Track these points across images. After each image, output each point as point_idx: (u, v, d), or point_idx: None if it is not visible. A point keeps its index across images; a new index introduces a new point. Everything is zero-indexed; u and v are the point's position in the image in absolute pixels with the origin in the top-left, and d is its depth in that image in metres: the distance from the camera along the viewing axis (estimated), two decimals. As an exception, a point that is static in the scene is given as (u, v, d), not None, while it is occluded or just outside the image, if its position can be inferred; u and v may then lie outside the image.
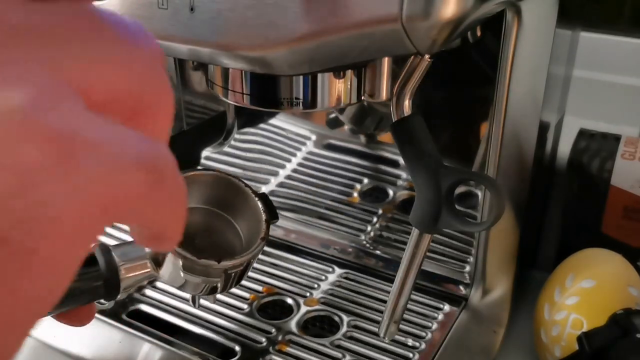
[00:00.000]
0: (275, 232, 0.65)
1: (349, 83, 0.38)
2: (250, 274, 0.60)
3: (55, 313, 0.36)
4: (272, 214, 0.44)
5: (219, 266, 0.40)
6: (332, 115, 0.58)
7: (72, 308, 0.37)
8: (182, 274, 0.40)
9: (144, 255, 0.41)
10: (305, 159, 0.62)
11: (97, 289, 0.39)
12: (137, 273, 0.41)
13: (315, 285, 0.59)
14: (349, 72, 0.38)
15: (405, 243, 0.42)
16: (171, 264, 0.41)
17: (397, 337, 0.52)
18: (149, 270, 0.41)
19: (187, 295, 0.57)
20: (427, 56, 0.38)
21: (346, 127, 0.58)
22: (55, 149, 0.17)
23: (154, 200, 0.20)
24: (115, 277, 0.39)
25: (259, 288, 0.59)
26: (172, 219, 0.21)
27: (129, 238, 0.60)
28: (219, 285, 0.42)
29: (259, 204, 0.44)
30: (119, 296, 0.40)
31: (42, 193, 0.16)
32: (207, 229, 0.44)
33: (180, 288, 0.43)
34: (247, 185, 0.44)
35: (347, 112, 0.54)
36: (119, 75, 0.19)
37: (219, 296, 0.57)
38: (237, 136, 0.62)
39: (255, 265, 0.62)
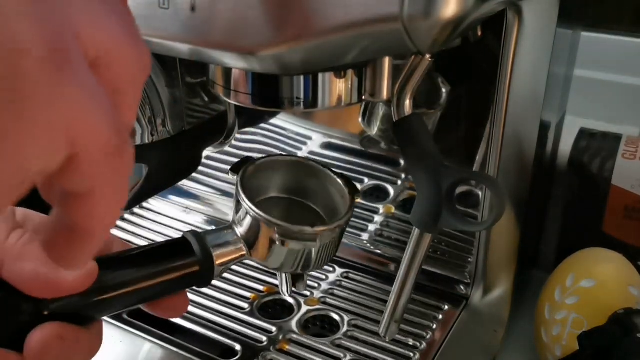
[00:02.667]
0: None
1: (350, 82, 0.38)
2: (250, 273, 0.60)
3: (150, 302, 0.36)
4: (354, 189, 0.44)
5: (313, 230, 0.40)
6: (365, 135, 0.58)
7: (165, 297, 0.37)
8: (276, 247, 0.40)
9: (236, 238, 0.41)
10: (305, 158, 0.62)
11: (192, 276, 0.38)
12: (230, 257, 0.40)
13: (316, 285, 0.59)
14: (350, 72, 0.38)
15: (406, 243, 0.42)
16: (266, 241, 0.41)
17: (398, 337, 0.52)
18: (243, 252, 0.41)
19: (189, 296, 0.57)
20: (428, 56, 0.38)
21: (382, 144, 0.58)
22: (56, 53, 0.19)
23: (109, 165, 0.22)
24: (210, 263, 0.38)
25: (260, 287, 0.59)
26: (114, 197, 0.23)
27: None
28: (313, 257, 0.42)
29: (339, 181, 0.44)
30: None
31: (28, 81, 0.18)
32: (287, 216, 0.43)
33: (274, 268, 0.43)
34: (323, 166, 0.45)
35: (375, 127, 0.54)
36: (109, 36, 0.22)
37: (220, 296, 0.57)
38: (237, 136, 0.62)
39: (256, 264, 0.62)
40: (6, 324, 0.30)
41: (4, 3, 0.19)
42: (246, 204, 0.41)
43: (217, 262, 0.39)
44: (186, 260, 0.37)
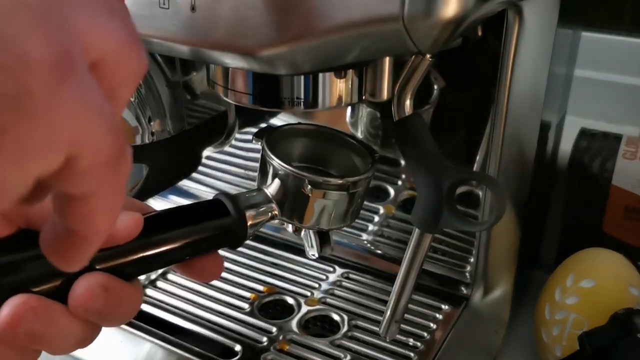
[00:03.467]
0: (276, 231, 0.65)
1: (350, 82, 0.38)
2: (250, 273, 0.60)
3: (182, 262, 0.36)
4: (371, 150, 0.46)
5: (344, 180, 0.42)
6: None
7: (198, 256, 0.37)
8: (308, 202, 0.42)
9: (266, 199, 0.42)
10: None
11: (224, 236, 0.39)
12: (262, 218, 0.41)
13: (316, 285, 0.59)
14: (350, 72, 0.38)
15: (406, 243, 0.42)
16: (297, 197, 0.42)
17: (398, 337, 0.52)
18: (275, 212, 0.42)
19: (190, 296, 0.57)
20: (428, 56, 0.38)
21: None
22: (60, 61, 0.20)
23: (107, 171, 0.23)
24: (244, 222, 0.39)
25: (260, 288, 0.59)
26: (111, 202, 0.24)
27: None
28: (343, 210, 0.44)
29: (357, 144, 0.46)
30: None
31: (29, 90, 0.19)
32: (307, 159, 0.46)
33: (307, 226, 0.44)
34: (340, 132, 0.47)
35: (360, 130, 0.54)
36: (112, 39, 0.23)
37: (220, 296, 0.57)
38: (238, 136, 0.62)
39: (256, 264, 0.62)
40: (53, 274, 0.30)
41: (11, 15, 0.19)
42: (275, 161, 0.42)
43: (250, 223, 0.40)
44: (221, 220, 0.38)
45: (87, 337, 0.31)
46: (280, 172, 0.42)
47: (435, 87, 0.50)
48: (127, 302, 0.32)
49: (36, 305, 0.29)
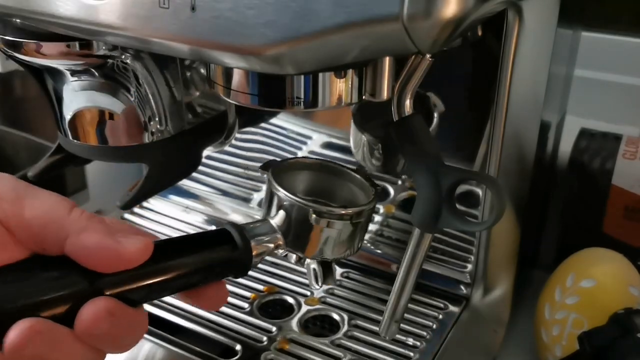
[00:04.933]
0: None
1: (350, 82, 0.38)
2: (251, 273, 0.60)
3: (190, 290, 0.37)
4: (373, 183, 0.48)
5: (347, 211, 0.44)
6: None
7: (204, 285, 0.38)
8: (313, 232, 0.43)
9: (272, 229, 0.44)
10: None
11: (230, 265, 0.40)
12: (267, 248, 0.43)
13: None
14: (350, 72, 0.38)
15: (406, 242, 0.42)
16: (302, 227, 0.43)
17: (398, 337, 0.52)
18: (280, 242, 0.44)
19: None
20: (428, 56, 0.38)
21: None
22: None
23: None
24: (249, 252, 0.40)
25: (260, 287, 0.59)
26: None
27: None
28: (347, 239, 0.45)
29: (359, 177, 0.48)
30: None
31: None
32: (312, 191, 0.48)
33: (312, 256, 0.45)
34: (341, 165, 0.49)
35: (366, 159, 0.54)
36: None
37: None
38: (238, 135, 0.62)
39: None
40: (61, 299, 0.31)
41: None
42: (281, 192, 0.44)
43: (255, 253, 0.41)
44: (227, 249, 0.39)
45: None
46: (285, 202, 0.44)
47: (435, 114, 0.50)
48: (132, 328, 0.33)
49: (42, 329, 0.29)
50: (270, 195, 0.45)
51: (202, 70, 0.47)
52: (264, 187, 0.47)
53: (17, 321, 0.29)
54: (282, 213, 0.44)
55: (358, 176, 0.48)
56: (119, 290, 0.33)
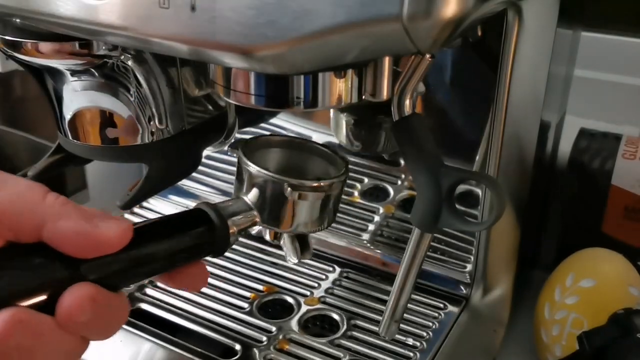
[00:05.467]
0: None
1: (350, 82, 0.38)
2: (250, 273, 0.60)
3: (169, 272, 0.37)
4: (343, 157, 0.48)
5: (320, 183, 0.44)
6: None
7: (181, 266, 0.38)
8: (287, 205, 0.44)
9: (247, 206, 0.44)
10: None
11: (208, 244, 0.39)
12: (244, 225, 0.43)
13: (316, 285, 0.59)
14: (350, 72, 0.38)
15: (406, 242, 0.42)
16: (277, 201, 0.44)
17: (398, 337, 0.52)
18: (256, 219, 0.44)
19: (189, 295, 0.57)
20: (428, 55, 0.38)
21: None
22: None
23: None
24: (226, 231, 0.40)
25: (260, 287, 0.59)
26: None
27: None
28: (320, 212, 0.45)
29: (329, 152, 0.49)
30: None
31: None
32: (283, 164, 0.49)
33: (287, 230, 0.46)
34: (310, 141, 0.49)
35: (357, 135, 0.54)
36: None
37: (220, 295, 0.57)
38: (238, 135, 0.62)
39: (256, 264, 0.62)
40: (42, 287, 0.30)
41: None
42: (254, 168, 0.44)
43: (232, 230, 0.41)
44: (205, 228, 0.39)
45: (76, 350, 0.31)
46: (258, 178, 0.44)
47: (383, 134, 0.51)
48: (115, 314, 0.32)
49: (24, 319, 0.29)
50: (242, 172, 0.45)
51: (202, 70, 0.47)
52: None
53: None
54: (255, 190, 0.44)
55: (329, 151, 0.49)
56: (99, 275, 0.32)
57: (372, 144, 0.51)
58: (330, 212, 0.47)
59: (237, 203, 0.44)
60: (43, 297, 0.30)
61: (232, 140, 0.53)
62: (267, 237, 0.48)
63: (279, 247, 0.63)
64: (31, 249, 0.31)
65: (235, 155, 0.46)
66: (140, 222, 0.36)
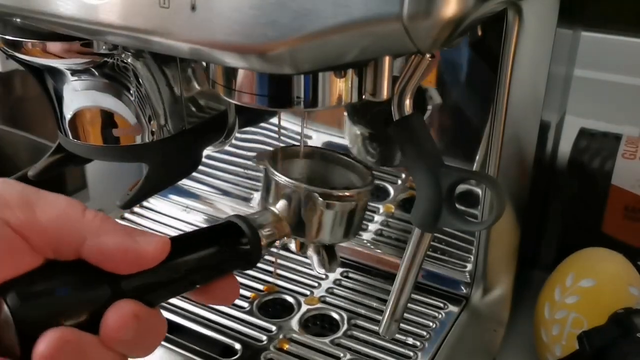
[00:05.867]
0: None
1: (350, 82, 0.38)
2: (250, 272, 0.60)
3: (203, 286, 0.37)
4: (369, 167, 0.48)
5: (350, 192, 0.45)
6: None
7: (215, 279, 0.38)
8: (316, 215, 0.44)
9: (276, 218, 0.44)
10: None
11: (241, 257, 0.40)
12: (275, 237, 0.43)
13: (316, 284, 0.59)
14: (350, 71, 0.38)
15: (406, 242, 0.42)
16: (307, 212, 0.44)
17: (398, 336, 0.52)
18: (287, 230, 0.44)
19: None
20: (428, 55, 0.38)
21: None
22: None
23: None
24: (258, 243, 0.40)
25: (260, 287, 0.59)
26: None
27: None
28: (349, 220, 0.46)
29: (355, 163, 0.48)
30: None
31: None
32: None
33: (316, 240, 0.46)
34: (335, 152, 0.49)
35: (372, 149, 0.55)
36: None
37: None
38: (238, 135, 0.62)
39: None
40: (84, 306, 0.31)
41: None
42: (282, 179, 0.44)
43: (263, 243, 0.41)
44: (238, 242, 0.39)
45: None
46: (287, 189, 0.44)
47: (429, 107, 0.51)
48: (156, 330, 0.33)
49: (71, 339, 0.29)
50: (269, 183, 0.45)
51: (203, 70, 0.47)
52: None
53: (45, 331, 0.29)
54: (283, 201, 0.44)
55: (353, 161, 0.49)
56: (139, 291, 0.32)
57: (388, 159, 0.51)
58: (357, 222, 0.47)
59: (266, 214, 0.44)
60: (86, 316, 0.30)
61: (232, 139, 0.53)
62: (293, 248, 0.47)
63: (281, 248, 0.63)
64: (71, 267, 0.31)
65: (261, 166, 0.46)
66: (175, 237, 0.36)
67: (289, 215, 0.44)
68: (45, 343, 0.28)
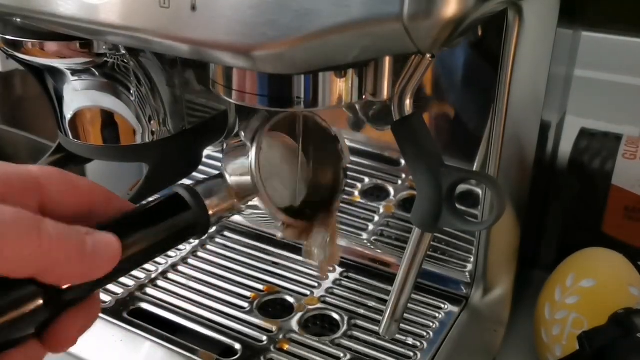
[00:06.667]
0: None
1: (351, 82, 0.38)
2: (251, 272, 0.60)
3: (146, 262, 0.37)
4: (345, 157, 0.46)
5: (287, 220, 0.43)
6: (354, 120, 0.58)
7: (164, 253, 0.38)
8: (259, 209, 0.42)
9: (227, 188, 0.42)
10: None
11: (188, 230, 0.39)
12: (223, 207, 0.41)
13: (316, 284, 0.59)
14: (351, 71, 0.38)
15: (406, 242, 0.42)
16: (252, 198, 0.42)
17: (398, 336, 0.52)
18: (234, 202, 0.42)
19: (190, 295, 0.57)
20: (428, 55, 0.38)
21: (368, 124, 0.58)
22: None
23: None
24: (205, 214, 0.39)
25: (260, 287, 0.59)
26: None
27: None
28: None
29: (337, 144, 0.46)
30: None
31: None
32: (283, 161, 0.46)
33: (259, 220, 0.44)
34: (326, 125, 0.46)
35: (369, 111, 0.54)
36: None
37: (220, 295, 0.57)
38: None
39: (256, 263, 0.62)
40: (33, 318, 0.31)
41: None
42: (257, 177, 0.42)
43: (211, 212, 0.40)
44: (184, 215, 0.39)
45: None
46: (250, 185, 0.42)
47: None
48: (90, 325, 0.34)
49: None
50: (242, 160, 0.43)
51: (203, 70, 0.47)
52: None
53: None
54: (244, 178, 0.42)
55: (334, 140, 0.46)
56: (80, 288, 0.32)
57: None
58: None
59: (220, 182, 0.42)
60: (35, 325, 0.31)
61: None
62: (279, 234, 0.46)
63: (280, 247, 0.63)
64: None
65: (243, 137, 0.44)
66: (117, 218, 0.35)
67: (240, 192, 0.42)
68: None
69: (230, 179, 0.42)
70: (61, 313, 0.32)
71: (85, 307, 0.33)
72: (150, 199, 0.42)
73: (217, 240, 0.65)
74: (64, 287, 0.31)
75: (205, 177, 0.43)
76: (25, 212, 0.30)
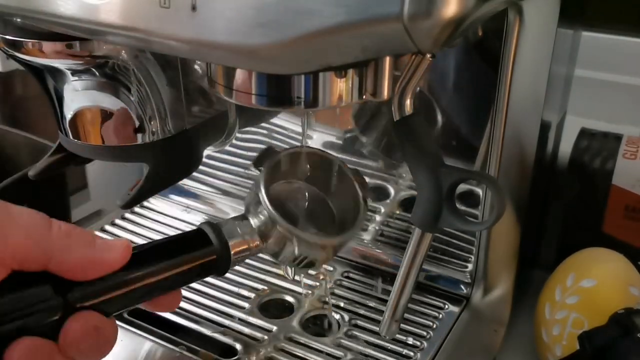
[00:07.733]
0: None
1: (351, 82, 0.38)
2: (251, 272, 0.60)
3: (164, 294, 0.37)
4: (366, 195, 0.46)
5: (320, 241, 0.43)
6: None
7: (182, 287, 0.38)
8: (287, 246, 0.43)
9: (252, 229, 0.42)
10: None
11: (210, 265, 0.39)
12: (245, 247, 0.42)
13: (317, 284, 0.59)
14: (351, 71, 0.38)
15: (406, 242, 0.42)
16: (279, 237, 0.42)
17: (398, 336, 0.52)
18: (257, 244, 0.43)
19: (190, 295, 0.57)
20: (428, 55, 0.38)
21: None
22: None
23: None
24: (227, 253, 0.40)
25: (260, 287, 0.59)
26: None
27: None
28: (317, 260, 0.44)
29: (355, 184, 0.46)
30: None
31: None
32: (302, 201, 0.47)
33: (282, 261, 0.45)
34: (342, 164, 0.47)
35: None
36: None
37: (221, 295, 0.57)
38: (238, 135, 0.62)
39: (257, 263, 0.62)
40: (47, 316, 0.32)
41: None
42: (267, 205, 0.42)
43: (233, 252, 0.40)
44: (204, 251, 0.39)
45: None
46: (268, 213, 0.42)
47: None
48: (111, 339, 0.34)
49: (38, 347, 0.31)
50: (256, 195, 0.43)
51: (203, 70, 0.47)
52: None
53: (13, 342, 0.30)
54: (263, 217, 0.42)
55: (354, 182, 0.47)
56: (99, 300, 0.33)
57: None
58: (326, 259, 0.46)
59: (242, 224, 0.42)
60: (50, 325, 0.32)
61: (233, 139, 0.53)
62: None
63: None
64: (33, 278, 0.32)
65: (257, 171, 0.45)
66: (140, 246, 0.36)
67: (264, 232, 0.43)
68: (17, 353, 0.30)
69: (252, 220, 0.43)
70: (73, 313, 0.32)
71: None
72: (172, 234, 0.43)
73: (217, 240, 0.65)
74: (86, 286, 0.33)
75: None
76: (38, 212, 0.33)
